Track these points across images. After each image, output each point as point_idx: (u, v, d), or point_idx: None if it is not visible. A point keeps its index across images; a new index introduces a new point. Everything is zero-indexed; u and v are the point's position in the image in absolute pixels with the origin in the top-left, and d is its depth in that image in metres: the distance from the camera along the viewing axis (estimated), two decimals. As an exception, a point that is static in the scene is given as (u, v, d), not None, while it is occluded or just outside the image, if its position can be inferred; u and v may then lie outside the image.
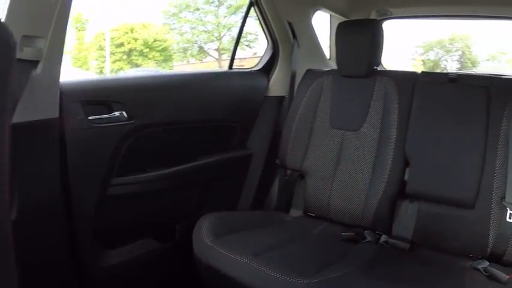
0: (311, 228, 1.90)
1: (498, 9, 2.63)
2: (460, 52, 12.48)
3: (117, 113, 1.66)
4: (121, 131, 1.68)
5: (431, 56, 12.79)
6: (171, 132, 1.87)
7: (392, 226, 1.87)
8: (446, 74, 1.96)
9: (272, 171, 2.25)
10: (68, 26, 1.38)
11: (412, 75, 2.01)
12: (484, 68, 11.81)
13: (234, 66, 2.30)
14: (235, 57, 2.32)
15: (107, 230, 1.70)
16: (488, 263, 1.63)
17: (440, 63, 12.56)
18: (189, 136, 1.95)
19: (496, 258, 1.66)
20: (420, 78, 1.98)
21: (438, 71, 8.32)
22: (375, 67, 2.04)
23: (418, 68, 11.53)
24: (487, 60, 12.01)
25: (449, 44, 12.57)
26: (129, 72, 11.74)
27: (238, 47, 2.35)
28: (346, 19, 2.55)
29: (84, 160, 1.59)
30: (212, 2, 13.09)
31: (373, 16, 2.75)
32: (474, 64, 12.08)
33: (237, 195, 2.24)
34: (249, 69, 2.35)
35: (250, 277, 1.45)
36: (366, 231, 1.85)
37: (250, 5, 2.23)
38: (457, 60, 12.47)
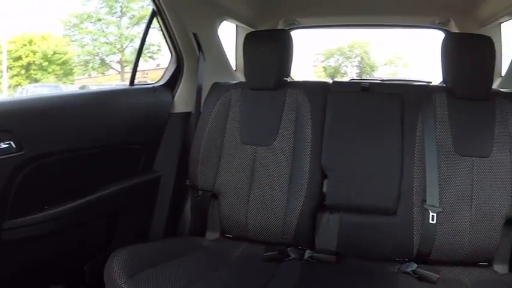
0: (231, 251, 1.80)
1: (394, 18, 2.78)
2: (359, 58, 13.20)
3: (3, 144, 1.46)
4: (10, 165, 1.49)
5: (332, 62, 13.37)
6: (68, 161, 1.69)
7: (315, 240, 1.83)
8: (359, 83, 1.98)
9: (183, 194, 2.11)
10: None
11: (323, 85, 1.99)
12: (383, 72, 12.60)
13: (136, 81, 2.12)
14: (138, 69, 2.14)
15: (2, 282, 1.51)
16: (416, 265, 1.67)
17: (340, 69, 13.22)
18: (90, 164, 1.78)
19: (422, 259, 1.71)
20: (332, 88, 1.97)
21: (345, 79, 8.66)
22: (285, 78, 1.99)
23: (320, 74, 12.02)
24: (385, 64, 12.94)
25: (348, 51, 13.30)
26: (28, 88, 11.07)
27: (141, 59, 2.17)
28: (253, 29, 2.48)
29: None
30: (114, 13, 12.62)
31: (280, 26, 2.75)
32: (373, 69, 12.91)
33: (148, 223, 2.08)
34: (152, 85, 2.18)
35: None
36: (288, 248, 1.78)
37: (153, 14, 2.07)
38: (357, 66, 13.24)
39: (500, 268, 1.71)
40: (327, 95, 1.91)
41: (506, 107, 1.76)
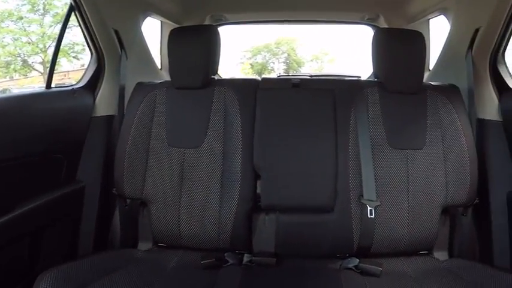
0: (166, 262, 1.72)
1: (323, 14, 2.79)
2: (286, 55, 13.37)
3: None
4: None
5: (259, 59, 13.45)
6: None
7: (252, 243, 1.80)
8: (289, 80, 1.94)
9: (110, 203, 1.99)
10: None
11: (252, 82, 1.94)
12: (309, 68, 12.86)
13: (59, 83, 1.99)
14: (60, 71, 1.97)
15: None
16: (358, 260, 1.69)
17: (267, 65, 13.30)
18: (5, 179, 1.60)
19: (363, 253, 1.73)
20: (261, 85, 1.93)
21: (272, 75, 8.74)
22: (212, 76, 1.92)
23: (247, 71, 12.11)
24: (311, 60, 13.17)
25: (275, 47, 13.42)
26: None
27: (65, 59, 1.99)
28: (178, 25, 2.37)
29: None
30: (37, 10, 11.88)
31: (207, 22, 2.66)
32: (300, 65, 13.16)
33: (76, 239, 1.93)
34: (71, 87, 2.01)
35: None
36: (226, 254, 1.74)
37: (71, 9, 1.91)
38: (284, 62, 13.42)
39: (440, 255, 1.79)
40: (257, 93, 1.86)
41: (437, 100, 1.82)
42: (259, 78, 1.98)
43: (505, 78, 1.87)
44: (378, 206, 1.71)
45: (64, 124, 1.87)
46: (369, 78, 2.29)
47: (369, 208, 1.70)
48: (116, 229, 1.98)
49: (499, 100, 1.87)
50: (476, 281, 1.54)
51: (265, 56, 13.65)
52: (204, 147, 1.82)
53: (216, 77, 1.95)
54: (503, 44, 1.86)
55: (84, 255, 1.87)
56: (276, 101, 1.86)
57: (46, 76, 1.87)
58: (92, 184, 1.97)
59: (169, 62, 1.90)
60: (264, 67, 13.29)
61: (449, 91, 1.85)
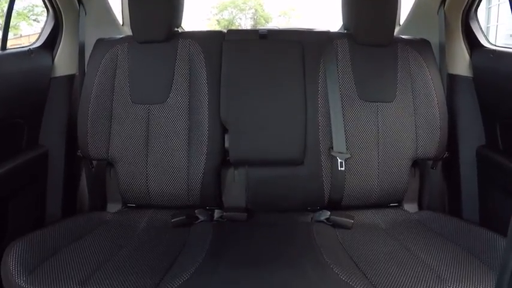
0: (136, 223, 1.70)
1: None
2: (253, 10, 13.15)
3: None
4: None
5: (226, 15, 13.22)
6: None
7: (222, 198, 1.80)
8: (257, 31, 1.88)
9: (76, 167, 1.93)
10: None
11: (218, 34, 1.89)
12: (277, 23, 12.70)
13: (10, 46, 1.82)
14: (21, 35, 1.83)
15: None
16: (329, 212, 1.69)
17: (235, 21, 13.09)
18: None
19: (334, 206, 1.74)
20: (228, 37, 1.87)
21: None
22: (176, 29, 1.86)
23: (214, 27, 11.93)
24: (279, 16, 13.00)
25: (242, 3, 13.17)
26: None
27: (24, 23, 1.86)
28: None
29: None
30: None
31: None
32: (267, 20, 13.02)
33: (43, 206, 1.87)
34: (27, 47, 1.88)
35: None
36: (196, 211, 1.72)
37: (22, -38, 1.76)
38: (251, 18, 13.23)
39: (410, 207, 1.83)
40: (222, 44, 1.81)
41: (408, 53, 1.80)
42: (225, 30, 1.90)
43: (477, 35, 1.86)
44: (348, 158, 1.71)
45: (22, 87, 1.77)
46: (338, 30, 2.24)
47: (339, 160, 1.70)
48: (84, 192, 1.94)
49: (470, 56, 1.87)
50: (445, 233, 1.57)
51: (232, 11, 13.45)
52: (169, 103, 1.77)
53: (179, 30, 1.88)
54: (476, 1, 1.84)
55: (53, 221, 1.80)
56: (242, 52, 1.82)
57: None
58: (56, 148, 1.89)
59: (130, 14, 1.83)
60: (230, 23, 13.12)
61: (421, 45, 1.84)
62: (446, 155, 1.80)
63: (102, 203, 1.87)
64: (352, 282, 1.27)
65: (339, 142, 1.71)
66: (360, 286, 1.26)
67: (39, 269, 1.32)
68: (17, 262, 1.33)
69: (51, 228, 1.57)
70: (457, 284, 1.26)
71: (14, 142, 1.77)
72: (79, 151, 1.81)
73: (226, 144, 1.77)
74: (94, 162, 1.85)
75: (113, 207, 1.84)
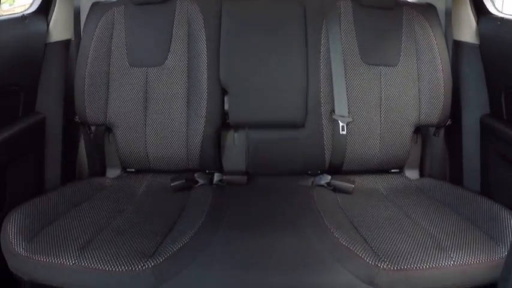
0: (135, 187, 1.72)
1: None
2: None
3: None
4: None
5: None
6: None
7: (222, 162, 1.79)
8: None
9: (74, 133, 1.92)
10: None
11: None
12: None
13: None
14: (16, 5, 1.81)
15: None
16: (330, 177, 1.69)
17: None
18: None
19: (335, 170, 1.73)
20: None
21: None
22: None
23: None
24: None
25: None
26: None
27: None
28: None
29: None
30: None
31: None
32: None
33: (41, 173, 1.85)
34: (21, 14, 1.84)
35: (81, 283, 1.25)
36: (196, 174, 1.73)
37: None
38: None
39: (411, 174, 1.82)
40: (222, 4, 1.78)
41: (413, 17, 1.76)
42: None
43: (484, 1, 1.80)
44: (349, 122, 1.69)
45: (17, 54, 1.74)
46: None
47: (340, 124, 1.68)
48: (83, 158, 1.94)
49: (477, 23, 1.81)
50: (446, 200, 1.57)
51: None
52: (168, 65, 1.75)
53: None
54: (485, -34, 1.78)
55: (52, 188, 1.80)
56: (242, 12, 1.78)
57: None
58: (53, 114, 1.86)
59: None
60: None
61: (426, 10, 1.80)
62: (449, 122, 1.78)
63: (101, 168, 1.87)
64: (352, 247, 1.27)
65: (340, 105, 1.69)
66: (360, 251, 1.26)
67: (39, 237, 1.33)
68: (17, 230, 1.34)
69: (50, 195, 1.57)
70: (457, 253, 1.26)
71: (10, 110, 1.74)
72: (77, 117, 1.80)
73: (226, 107, 1.75)
74: (92, 128, 1.85)
75: (112, 173, 1.84)
